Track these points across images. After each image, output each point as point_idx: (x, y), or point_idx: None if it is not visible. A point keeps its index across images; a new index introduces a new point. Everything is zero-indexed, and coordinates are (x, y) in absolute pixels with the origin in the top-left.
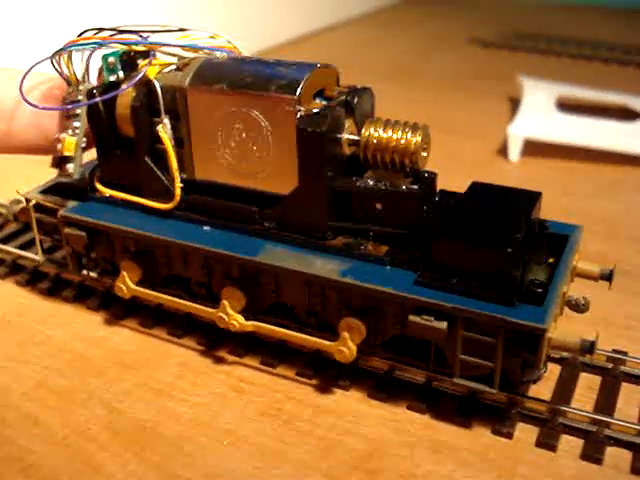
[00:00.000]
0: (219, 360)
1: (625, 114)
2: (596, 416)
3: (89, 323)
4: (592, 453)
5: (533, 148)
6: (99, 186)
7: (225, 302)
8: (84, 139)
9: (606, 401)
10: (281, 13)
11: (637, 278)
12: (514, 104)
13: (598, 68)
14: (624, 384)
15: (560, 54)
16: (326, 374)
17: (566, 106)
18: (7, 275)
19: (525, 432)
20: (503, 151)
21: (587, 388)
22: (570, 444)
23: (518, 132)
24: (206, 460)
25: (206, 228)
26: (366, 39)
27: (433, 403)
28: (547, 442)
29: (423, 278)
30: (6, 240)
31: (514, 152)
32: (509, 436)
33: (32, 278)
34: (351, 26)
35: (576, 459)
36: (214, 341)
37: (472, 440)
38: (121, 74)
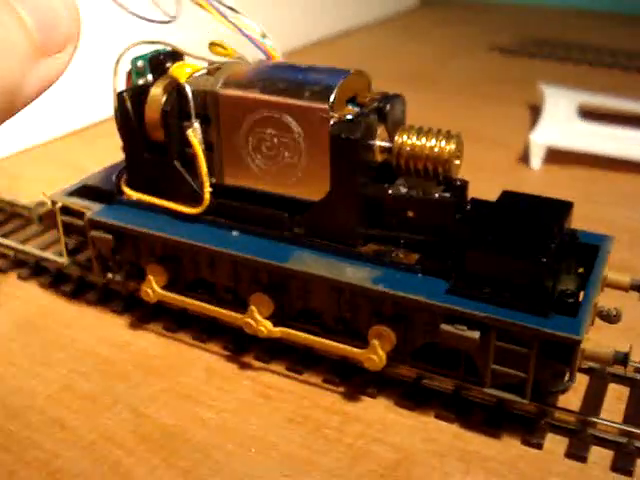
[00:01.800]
0: (245, 365)
1: None
2: (626, 427)
3: (113, 327)
4: (623, 465)
5: (555, 156)
6: (126, 189)
7: (253, 308)
8: None
9: (635, 412)
10: (297, 18)
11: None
12: (534, 111)
13: (617, 76)
14: None
15: (578, 61)
16: (353, 381)
17: (587, 114)
18: (29, 277)
19: (555, 443)
20: (524, 159)
21: (616, 399)
22: (600, 455)
23: (540, 140)
24: (234, 467)
25: (235, 233)
26: (383, 44)
27: (462, 412)
28: (577, 453)
29: (456, 287)
30: (26, 241)
31: (536, 160)
32: (539, 447)
33: (55, 280)
34: (368, 31)
35: (607, 471)
36: (240, 346)
37: (502, 450)
38: (150, 77)
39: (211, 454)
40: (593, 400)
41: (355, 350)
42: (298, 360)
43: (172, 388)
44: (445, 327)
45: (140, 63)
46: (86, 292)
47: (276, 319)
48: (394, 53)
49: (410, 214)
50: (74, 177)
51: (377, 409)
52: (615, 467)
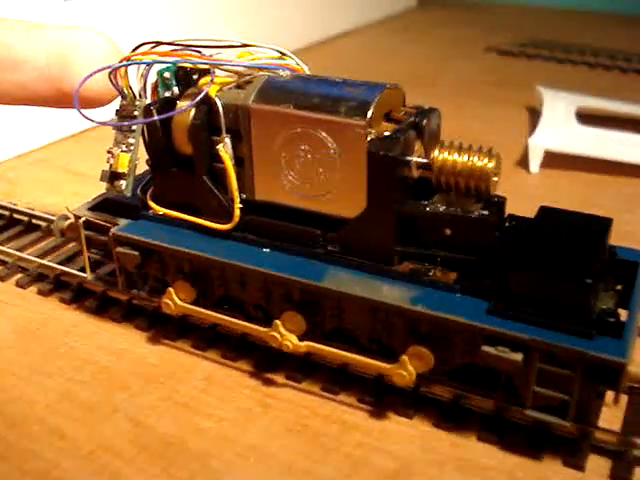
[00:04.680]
0: (244, 374)
1: None
2: None
3: (113, 335)
4: None
5: (554, 160)
6: (152, 204)
7: (278, 322)
8: (138, 155)
9: None
10: (296, 19)
11: None
12: (532, 114)
13: (616, 77)
14: None
15: (577, 63)
16: (352, 390)
17: (586, 117)
18: (49, 292)
19: (595, 463)
20: (523, 162)
21: None
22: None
23: (539, 143)
24: (233, 477)
25: (266, 250)
26: (381, 45)
27: (459, 420)
28: (621, 475)
29: (497, 307)
30: (44, 255)
31: (535, 164)
32: (581, 468)
33: (77, 295)
34: (366, 32)
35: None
36: (239, 354)
37: (503, 460)
38: (176, 90)
39: (210, 463)
40: (635, 420)
41: (384, 365)
42: (297, 369)
43: (171, 397)
44: (486, 349)
45: (167, 75)
46: (109, 308)
47: (308, 337)
48: (392, 54)
49: (448, 232)
50: (73, 182)
51: (376, 418)
52: None
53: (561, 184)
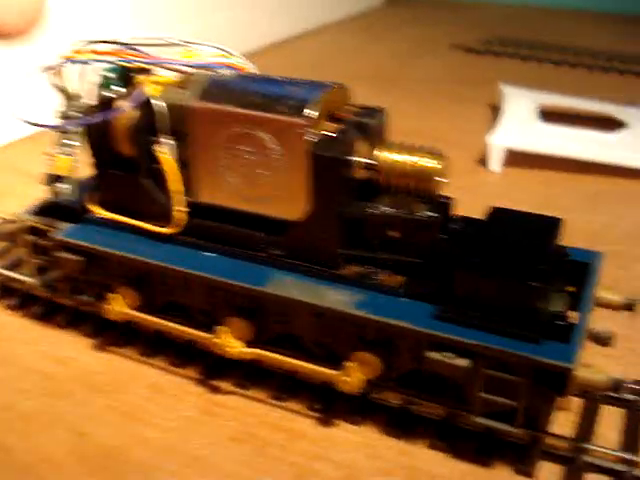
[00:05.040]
0: (191, 381)
1: (609, 124)
2: (622, 454)
3: (59, 342)
4: None
5: (515, 158)
6: (95, 208)
7: (222, 328)
8: (78, 158)
9: (630, 437)
10: (257, 19)
11: (620, 293)
12: (496, 112)
13: (581, 75)
14: None
15: (542, 60)
16: (300, 398)
17: (548, 115)
18: None
19: (546, 469)
20: (484, 161)
21: (610, 422)
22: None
23: (499, 142)
24: None
25: (209, 254)
26: (346, 44)
27: (408, 428)
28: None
29: (443, 312)
30: None
31: (495, 162)
32: (530, 475)
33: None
34: (332, 31)
35: None
36: (186, 361)
37: (452, 467)
38: (120, 90)
39: (152, 475)
40: (586, 424)
41: (329, 372)
42: (245, 376)
43: (115, 406)
44: (432, 355)
45: (109, 74)
46: (56, 314)
47: (253, 343)
48: (356, 53)
49: (393, 234)
50: (27, 185)
51: (324, 425)
52: None
53: (522, 183)
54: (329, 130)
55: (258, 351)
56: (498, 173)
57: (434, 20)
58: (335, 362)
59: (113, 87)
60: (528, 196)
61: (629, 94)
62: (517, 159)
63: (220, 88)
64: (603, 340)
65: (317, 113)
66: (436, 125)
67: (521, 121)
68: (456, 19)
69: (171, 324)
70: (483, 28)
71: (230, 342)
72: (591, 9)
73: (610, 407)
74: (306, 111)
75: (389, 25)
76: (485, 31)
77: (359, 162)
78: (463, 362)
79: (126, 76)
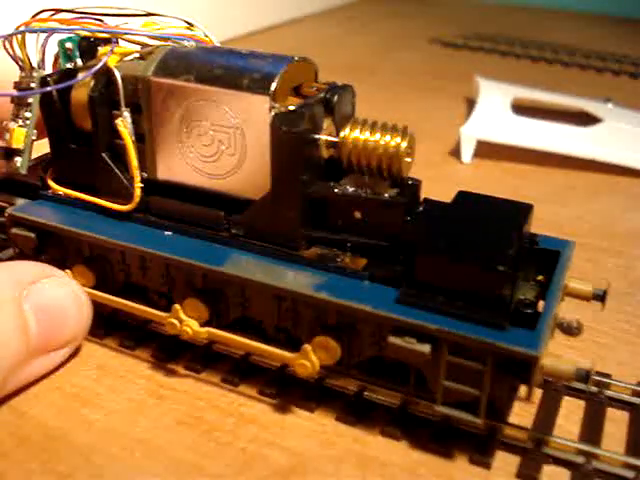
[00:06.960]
0: (141, 363)
1: (583, 119)
2: (582, 446)
3: None
4: None
5: (487, 150)
6: (52, 183)
7: (178, 307)
8: (35, 131)
9: (591, 429)
10: (238, 6)
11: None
12: (470, 105)
13: (558, 72)
14: (609, 409)
15: (520, 56)
16: (254, 383)
17: (523, 109)
18: None
19: (503, 460)
20: (456, 152)
21: (570, 413)
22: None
23: (471, 133)
24: (116, 473)
25: (168, 233)
26: (326, 35)
27: (362, 414)
28: (528, 473)
29: (405, 296)
30: None
31: (467, 153)
32: (487, 466)
33: None
34: (312, 21)
35: None
36: (138, 343)
37: (403, 455)
38: (79, 61)
39: (93, 458)
40: (547, 415)
41: (286, 354)
42: (197, 359)
43: (61, 387)
44: (393, 340)
45: (69, 45)
46: None
47: (211, 327)
48: (334, 44)
49: (357, 215)
50: None
51: (276, 411)
52: None
53: (492, 174)
54: (292, 105)
55: (212, 330)
56: (469, 164)
57: (412, 14)
58: (294, 348)
59: (73, 58)
60: (498, 187)
61: (605, 91)
62: (489, 151)
63: (180, 60)
64: (571, 330)
65: (278, 86)
66: (411, 116)
67: (494, 113)
68: (434, 14)
69: (126, 302)
70: (463, 23)
71: (186, 321)
72: (569, 8)
73: (571, 399)
74: (267, 84)
75: (369, 18)
76: (465, 26)
77: (323, 140)
78: (424, 348)
79: (88, 47)
